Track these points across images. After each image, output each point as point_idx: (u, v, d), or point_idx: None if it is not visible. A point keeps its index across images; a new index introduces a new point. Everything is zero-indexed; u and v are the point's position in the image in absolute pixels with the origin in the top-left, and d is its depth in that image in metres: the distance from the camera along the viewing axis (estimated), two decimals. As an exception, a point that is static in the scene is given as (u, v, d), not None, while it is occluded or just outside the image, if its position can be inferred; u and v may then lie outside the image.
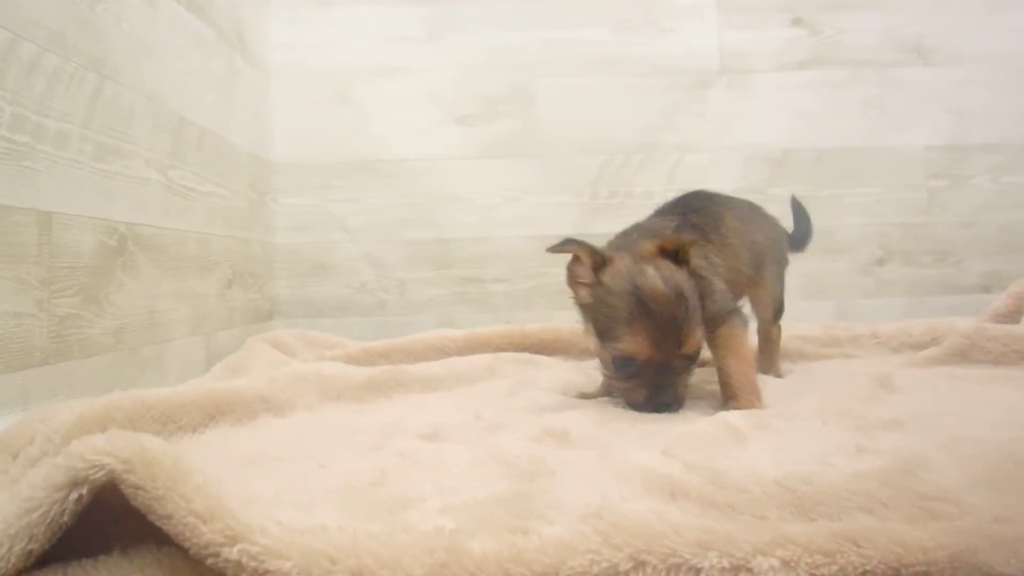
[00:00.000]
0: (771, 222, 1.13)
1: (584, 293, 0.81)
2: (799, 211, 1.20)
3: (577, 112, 1.62)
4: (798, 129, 1.65)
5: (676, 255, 0.79)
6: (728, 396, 0.82)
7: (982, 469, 0.55)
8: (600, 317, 0.79)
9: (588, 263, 0.80)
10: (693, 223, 0.92)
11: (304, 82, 1.58)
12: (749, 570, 0.41)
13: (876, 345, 1.26)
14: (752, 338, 1.00)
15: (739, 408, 0.77)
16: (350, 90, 1.59)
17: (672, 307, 0.75)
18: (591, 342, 0.84)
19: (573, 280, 0.82)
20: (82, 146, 0.83)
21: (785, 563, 0.41)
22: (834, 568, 0.41)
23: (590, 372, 1.07)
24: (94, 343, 0.86)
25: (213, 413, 0.78)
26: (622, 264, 0.79)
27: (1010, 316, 1.23)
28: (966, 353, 1.08)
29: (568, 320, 0.95)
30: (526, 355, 1.21)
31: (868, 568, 0.41)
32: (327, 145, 1.58)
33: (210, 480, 0.42)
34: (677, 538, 0.42)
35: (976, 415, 0.75)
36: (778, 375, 1.08)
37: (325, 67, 1.59)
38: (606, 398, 0.89)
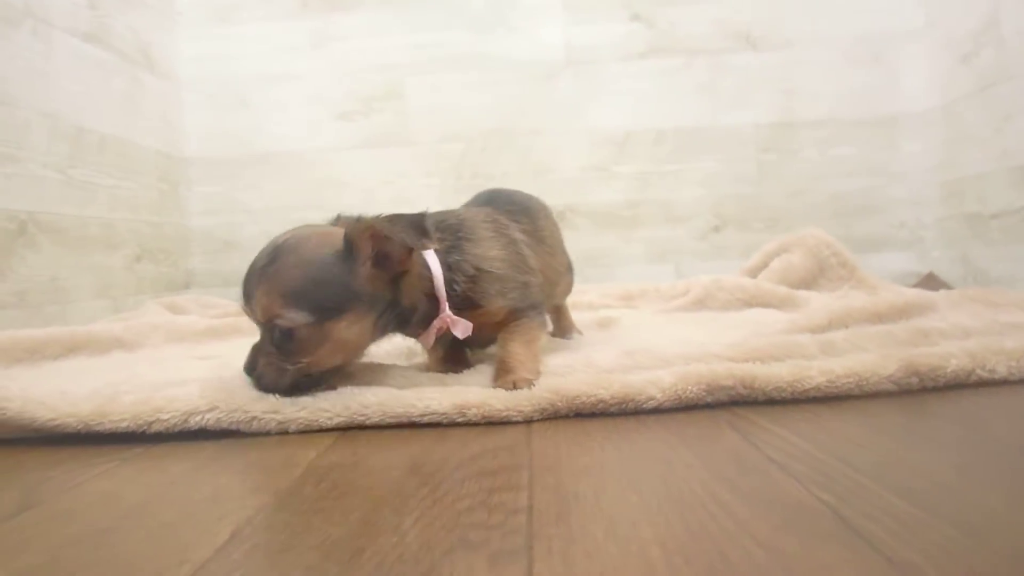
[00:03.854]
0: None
1: None
2: None
3: (441, 105, 1.88)
4: (639, 112, 1.88)
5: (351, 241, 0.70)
6: (504, 371, 0.75)
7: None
8: None
9: None
10: (509, 211, 0.91)
11: (210, 89, 1.88)
12: (279, 412, 0.69)
13: (657, 298, 1.51)
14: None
15: (513, 380, 0.72)
16: (248, 94, 1.88)
17: (259, 263, 0.70)
18: None
19: None
20: (-21, 157, 1.15)
21: (302, 406, 0.70)
22: (326, 404, 0.69)
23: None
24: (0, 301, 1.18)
25: (72, 347, 1.09)
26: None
27: (757, 270, 1.47)
28: (703, 301, 1.34)
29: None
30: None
31: (326, 407, 0.69)
32: (232, 142, 1.88)
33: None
34: (242, 394, 0.70)
35: (623, 343, 1.01)
36: (569, 337, 1.12)
37: (227, 76, 1.88)
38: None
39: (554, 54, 1.88)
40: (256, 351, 0.72)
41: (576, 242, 1.91)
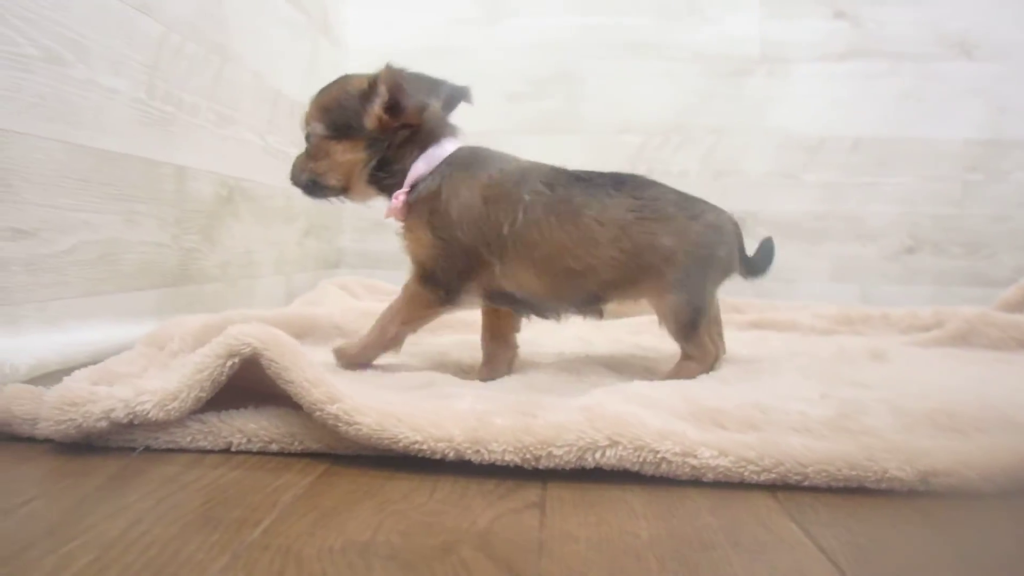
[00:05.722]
0: (708, 232, 0.84)
1: None
2: (766, 250, 0.98)
3: (619, 94, 1.74)
4: (834, 117, 1.72)
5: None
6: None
7: (914, 417, 0.67)
8: None
9: None
10: (554, 186, 0.82)
11: (375, 59, 1.73)
12: (695, 455, 0.56)
13: (886, 326, 1.35)
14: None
15: (343, 348, 0.81)
16: (413, 66, 1.75)
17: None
18: None
19: None
20: (207, 115, 1.03)
21: (721, 452, 0.56)
22: (752, 455, 0.56)
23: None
24: (207, 272, 1.07)
25: (300, 332, 0.97)
26: None
27: (1018, 306, 1.31)
28: (966, 337, 1.17)
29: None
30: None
31: (752, 458, 0.56)
32: (393, 116, 1.76)
33: (313, 362, 0.61)
34: (643, 429, 0.57)
35: (939, 383, 0.87)
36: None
37: (393, 45, 1.74)
38: None
39: (747, 49, 1.72)
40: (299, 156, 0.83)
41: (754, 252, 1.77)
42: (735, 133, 1.74)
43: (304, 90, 1.43)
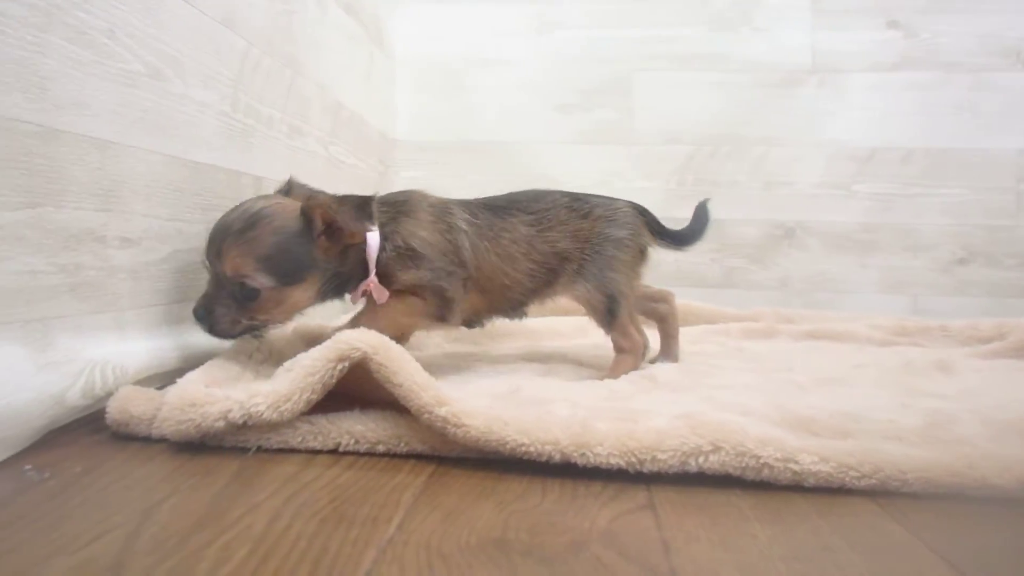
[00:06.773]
0: (600, 223, 0.93)
1: None
2: (701, 215, 1.07)
3: (670, 105, 1.75)
4: (886, 128, 1.71)
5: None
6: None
7: (1002, 427, 0.66)
8: None
9: None
10: (483, 205, 0.91)
11: (424, 69, 1.79)
12: (796, 461, 0.57)
13: (944, 338, 1.34)
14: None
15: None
16: (463, 78, 1.79)
17: (228, 221, 0.75)
18: None
19: None
20: (281, 127, 1.07)
21: (822, 458, 0.57)
22: (852, 461, 0.56)
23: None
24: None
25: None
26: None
27: (1078, 317, 1.28)
28: (1030, 348, 1.16)
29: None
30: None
31: (853, 464, 0.56)
32: (440, 126, 1.79)
33: (420, 367, 0.63)
34: (745, 435, 0.58)
35: (1013, 395, 0.86)
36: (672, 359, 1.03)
37: (442, 56, 1.79)
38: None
39: (799, 59, 1.73)
40: (210, 299, 0.76)
41: (803, 264, 1.77)
42: (785, 144, 1.74)
43: (360, 101, 1.49)
